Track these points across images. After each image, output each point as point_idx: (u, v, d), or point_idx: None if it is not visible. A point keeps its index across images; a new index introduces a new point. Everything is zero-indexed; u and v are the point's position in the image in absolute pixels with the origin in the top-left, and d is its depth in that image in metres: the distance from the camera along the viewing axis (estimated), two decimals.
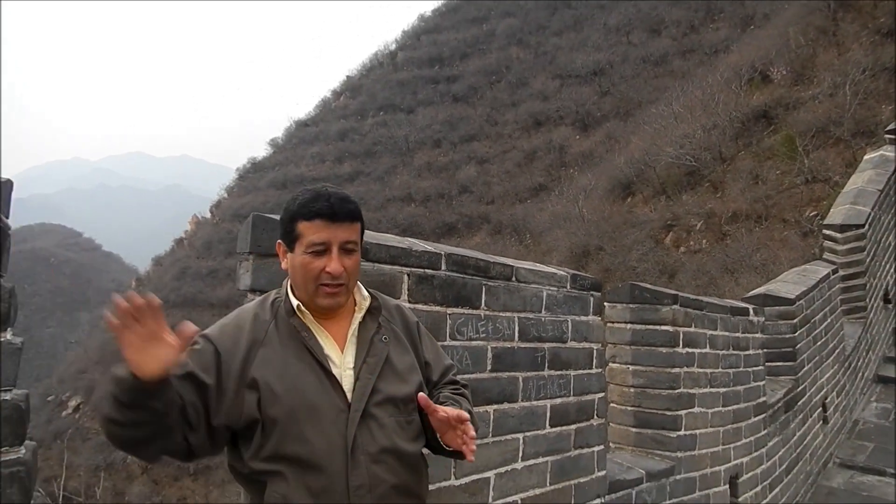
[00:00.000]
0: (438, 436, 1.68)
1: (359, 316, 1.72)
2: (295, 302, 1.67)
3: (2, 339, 1.41)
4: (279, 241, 1.73)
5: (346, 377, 1.64)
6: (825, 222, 8.11)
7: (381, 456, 1.60)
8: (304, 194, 1.68)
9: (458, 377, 1.95)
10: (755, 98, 20.86)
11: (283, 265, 1.72)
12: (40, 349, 55.44)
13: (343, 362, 1.65)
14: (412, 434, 1.70)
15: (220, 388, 1.55)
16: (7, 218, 1.46)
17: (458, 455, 1.69)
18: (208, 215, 54.57)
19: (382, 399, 1.64)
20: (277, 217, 2.11)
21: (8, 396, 1.40)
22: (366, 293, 1.77)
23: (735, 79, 21.99)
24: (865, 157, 9.49)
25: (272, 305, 1.71)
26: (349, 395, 1.61)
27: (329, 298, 1.65)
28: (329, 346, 1.65)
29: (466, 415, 1.63)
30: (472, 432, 1.64)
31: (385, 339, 1.73)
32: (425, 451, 1.77)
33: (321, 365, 1.62)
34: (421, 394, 1.65)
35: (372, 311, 1.75)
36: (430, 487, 1.91)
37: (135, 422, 1.40)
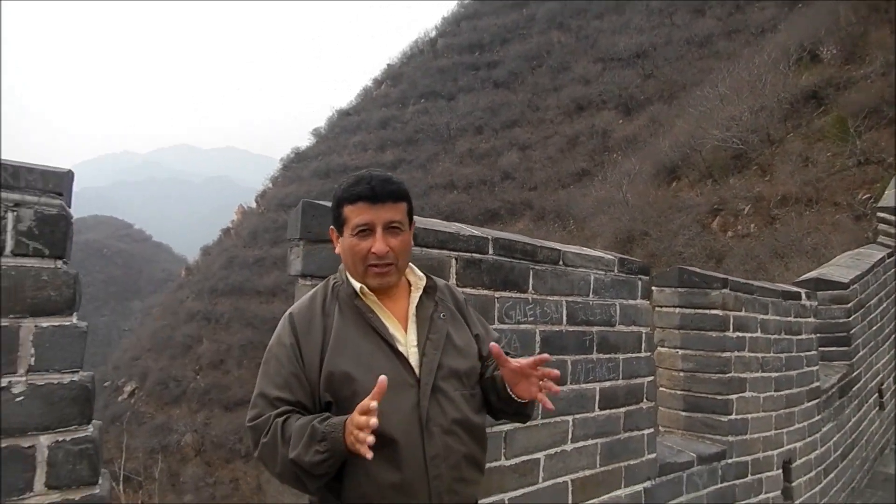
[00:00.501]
0: (510, 388, 1.69)
1: (416, 296, 1.77)
2: (357, 285, 1.72)
3: (69, 323, 1.46)
4: (331, 226, 1.80)
5: (412, 354, 1.69)
6: (879, 205, 7.89)
7: (452, 427, 1.67)
8: (347, 180, 1.76)
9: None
10: (804, 78, 20.26)
11: (337, 249, 1.79)
12: (95, 337, 57.08)
13: (407, 340, 1.71)
14: (476, 406, 1.77)
15: (309, 380, 1.67)
16: (70, 207, 1.52)
17: (525, 413, 1.76)
18: (254, 205, 55.40)
19: (448, 373, 1.70)
20: (326, 203, 2.15)
21: (76, 378, 1.46)
22: (420, 273, 1.82)
23: (783, 59, 21.40)
24: None
25: (333, 290, 1.77)
26: (417, 371, 1.67)
27: (378, 278, 1.71)
28: (393, 326, 1.71)
29: (545, 356, 1.65)
30: (555, 373, 1.64)
31: (444, 316, 1.79)
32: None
33: (388, 343, 1.68)
34: (493, 344, 1.66)
35: (428, 291, 1.79)
36: None
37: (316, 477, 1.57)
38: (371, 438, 1.45)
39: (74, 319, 1.48)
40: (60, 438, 1.41)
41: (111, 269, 77.76)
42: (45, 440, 1.39)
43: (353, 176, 1.75)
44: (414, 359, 1.69)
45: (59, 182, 1.46)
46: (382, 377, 1.49)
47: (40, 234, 1.41)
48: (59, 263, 1.44)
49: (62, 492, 1.41)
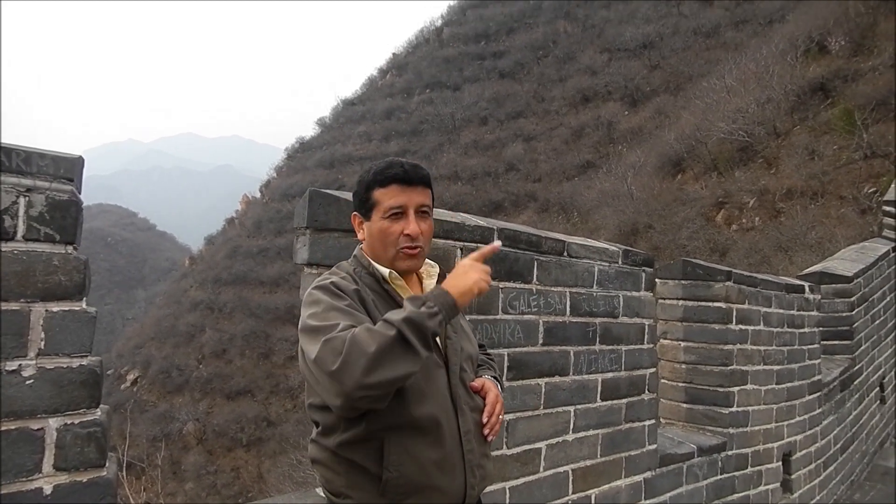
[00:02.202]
0: None
1: (430, 283, 1.80)
2: (385, 270, 1.74)
3: (78, 308, 1.48)
4: (354, 213, 1.82)
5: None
6: (885, 198, 7.86)
7: (476, 404, 1.76)
8: (377, 165, 1.78)
9: (504, 350, 2.20)
10: (811, 70, 20.13)
11: (360, 235, 1.80)
12: (99, 325, 56.19)
13: None
14: None
15: None
16: (80, 193, 1.53)
17: None
18: (258, 195, 55.43)
19: (466, 356, 1.79)
20: (334, 192, 2.16)
21: (85, 362, 1.48)
22: (431, 261, 1.87)
23: (790, 50, 21.25)
24: None
25: (357, 275, 1.76)
26: (444, 353, 1.73)
27: (409, 261, 1.74)
28: None
29: (496, 409, 1.78)
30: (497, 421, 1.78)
31: None
32: None
33: None
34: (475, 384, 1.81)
35: (440, 278, 1.82)
36: None
37: (429, 338, 1.51)
38: (498, 243, 1.72)
39: (84, 305, 1.50)
40: (69, 421, 1.44)
41: (115, 257, 77.97)
42: (54, 423, 1.42)
43: (383, 161, 1.78)
44: (438, 341, 1.73)
45: (70, 168, 1.47)
46: (497, 242, 1.67)
47: (51, 220, 1.43)
48: (70, 249, 1.46)
49: (70, 473, 1.43)
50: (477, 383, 1.79)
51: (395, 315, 1.48)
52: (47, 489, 1.40)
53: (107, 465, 1.50)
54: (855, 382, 5.46)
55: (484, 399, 1.78)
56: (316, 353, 1.47)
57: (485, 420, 1.75)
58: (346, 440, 1.63)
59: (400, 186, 1.72)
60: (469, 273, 1.59)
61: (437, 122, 45.31)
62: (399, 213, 1.72)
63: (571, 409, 2.81)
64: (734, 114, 20.73)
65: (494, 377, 1.91)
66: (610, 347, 3.01)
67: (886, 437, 6.10)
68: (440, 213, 2.44)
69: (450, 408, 1.68)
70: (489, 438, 1.76)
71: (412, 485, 1.61)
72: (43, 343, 1.41)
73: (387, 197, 1.72)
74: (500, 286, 2.54)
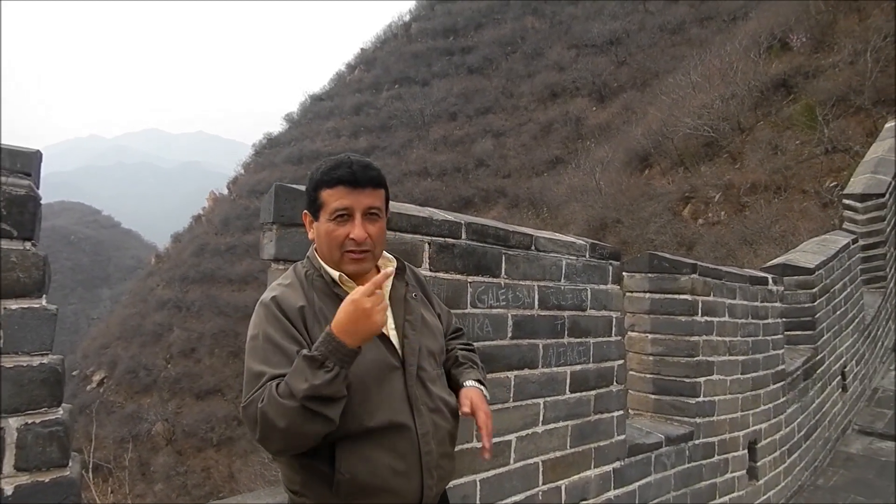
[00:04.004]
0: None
1: (389, 280, 1.76)
2: (335, 273, 1.71)
3: (38, 305, 1.45)
4: (305, 211, 1.77)
5: (392, 337, 1.71)
6: (845, 192, 8.04)
7: (437, 405, 1.72)
8: (326, 163, 1.73)
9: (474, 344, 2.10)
10: (774, 66, 20.46)
11: (311, 235, 1.77)
12: (63, 325, 56.04)
13: (387, 324, 1.71)
14: (446, 386, 1.82)
15: None
16: (38, 188, 1.50)
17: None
18: (225, 192, 54.76)
19: (426, 353, 1.75)
20: (300, 187, 2.14)
21: (45, 360, 1.45)
22: (389, 256, 1.84)
23: (754, 47, 21.58)
24: (887, 125, 9.37)
25: (308, 279, 1.73)
26: (400, 353, 1.70)
27: (354, 265, 1.70)
28: None
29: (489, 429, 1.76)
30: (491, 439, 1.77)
31: (416, 296, 1.81)
32: None
33: None
34: (464, 412, 1.76)
35: (398, 273, 1.80)
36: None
37: (336, 401, 1.50)
38: (391, 270, 1.70)
39: (44, 302, 1.47)
40: (30, 421, 1.41)
41: (79, 256, 76.43)
42: (14, 422, 1.39)
43: (332, 159, 1.73)
44: (395, 341, 1.71)
45: (27, 162, 1.44)
46: (390, 269, 1.67)
47: (8, 215, 1.40)
48: (28, 245, 1.43)
49: (31, 474, 1.40)
50: (465, 406, 1.74)
51: (297, 383, 1.46)
52: (8, 490, 1.37)
53: (70, 464, 1.47)
54: (817, 371, 5.58)
55: (472, 413, 1.73)
56: (241, 410, 1.56)
57: (486, 445, 1.71)
58: None
59: (347, 188, 1.66)
60: (365, 320, 1.50)
61: (406, 118, 45.18)
62: (345, 216, 1.67)
63: (541, 401, 2.83)
64: (699, 109, 21.00)
65: (478, 380, 1.85)
66: (578, 340, 3.04)
67: (848, 424, 6.24)
68: (407, 208, 2.44)
69: (406, 410, 1.65)
70: (487, 457, 1.73)
71: (365, 487, 1.60)
72: (1, 341, 1.38)
73: (333, 198, 1.67)
74: (469, 280, 2.55)
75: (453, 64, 47.26)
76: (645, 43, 37.14)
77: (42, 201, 1.50)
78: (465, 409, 1.73)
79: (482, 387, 1.84)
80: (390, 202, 1.94)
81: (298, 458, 1.63)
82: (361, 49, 57.75)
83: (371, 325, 1.50)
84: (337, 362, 1.47)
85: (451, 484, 1.85)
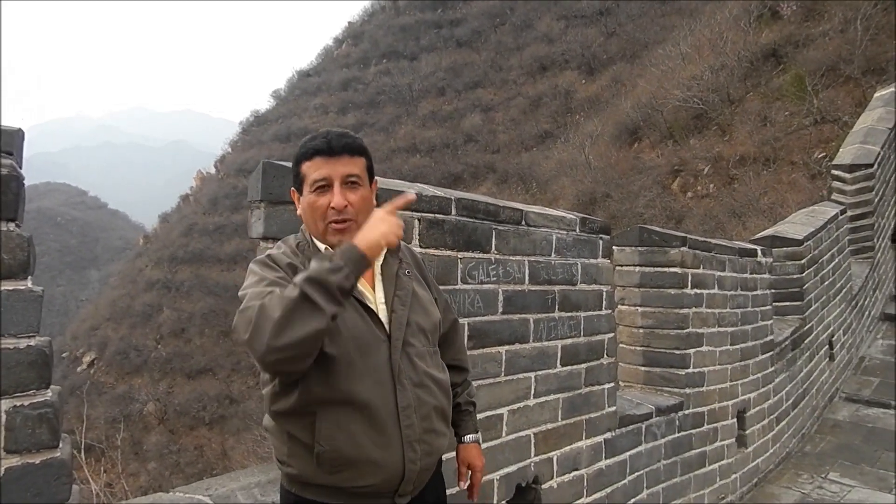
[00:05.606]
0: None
1: (381, 254, 1.76)
2: (322, 246, 1.73)
3: (24, 287, 1.44)
4: (292, 188, 1.80)
5: (381, 311, 1.73)
6: (834, 163, 8.05)
7: (423, 380, 1.72)
8: (306, 138, 1.78)
9: (464, 320, 2.21)
10: (764, 36, 20.34)
11: (299, 211, 1.79)
12: (51, 307, 55.98)
13: (376, 297, 1.74)
14: (439, 363, 1.83)
15: None
16: (21, 168, 1.48)
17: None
18: (213, 171, 54.33)
19: (416, 329, 1.75)
20: (287, 164, 2.13)
21: (32, 342, 1.44)
22: None
23: (744, 15, 21.42)
24: (876, 94, 9.37)
25: (299, 249, 1.77)
26: (387, 327, 1.71)
27: (338, 235, 1.71)
28: (361, 284, 1.71)
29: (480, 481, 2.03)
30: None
31: (408, 273, 1.82)
32: None
33: (359, 301, 1.70)
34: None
35: (391, 249, 1.79)
36: None
37: (332, 295, 1.48)
38: (413, 195, 1.73)
39: (29, 283, 1.45)
40: (18, 403, 1.40)
41: (66, 237, 75.86)
42: (3, 405, 1.38)
43: (311, 134, 1.77)
44: (383, 315, 1.72)
45: (9, 141, 1.42)
46: (411, 193, 1.69)
47: None
48: (12, 226, 1.41)
49: (21, 455, 1.40)
50: (463, 479, 1.99)
51: (299, 276, 1.49)
52: None
53: (60, 445, 1.47)
54: (805, 341, 5.64)
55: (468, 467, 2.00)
56: (234, 323, 1.53)
57: (473, 500, 2.00)
58: (281, 410, 1.66)
59: (323, 158, 1.69)
60: (378, 226, 1.56)
61: (394, 94, 44.79)
62: (324, 186, 1.69)
63: (532, 375, 2.85)
64: (689, 81, 20.91)
65: (473, 435, 2.03)
66: (569, 314, 3.05)
67: (835, 392, 6.32)
68: (396, 184, 2.42)
69: (388, 382, 1.66)
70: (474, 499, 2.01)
71: (345, 458, 1.62)
72: None
73: (311, 170, 1.70)
74: (459, 256, 2.55)
75: (441, 37, 46.78)
76: (634, 13, 36.83)
77: (27, 182, 1.48)
78: (463, 484, 2.01)
79: (476, 435, 2.05)
80: (380, 178, 1.94)
81: (284, 427, 1.68)
82: (349, 23, 57.05)
83: (378, 233, 1.55)
84: (344, 259, 1.50)
85: (445, 457, 1.85)
